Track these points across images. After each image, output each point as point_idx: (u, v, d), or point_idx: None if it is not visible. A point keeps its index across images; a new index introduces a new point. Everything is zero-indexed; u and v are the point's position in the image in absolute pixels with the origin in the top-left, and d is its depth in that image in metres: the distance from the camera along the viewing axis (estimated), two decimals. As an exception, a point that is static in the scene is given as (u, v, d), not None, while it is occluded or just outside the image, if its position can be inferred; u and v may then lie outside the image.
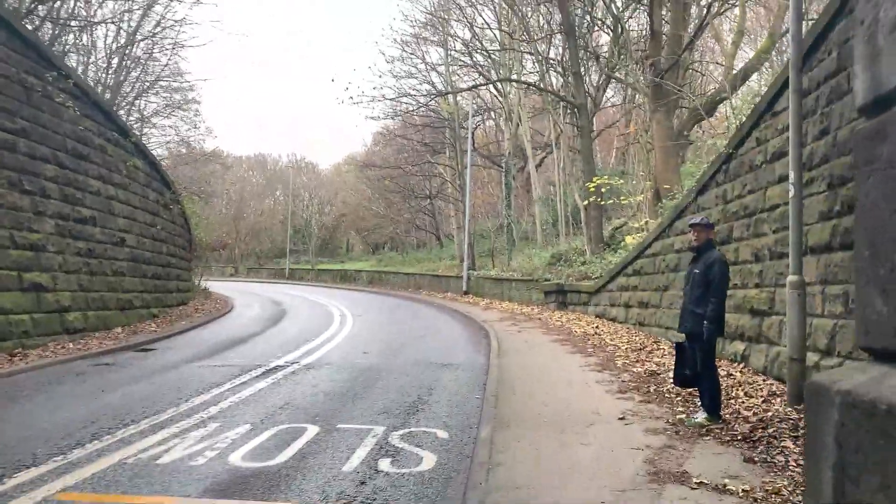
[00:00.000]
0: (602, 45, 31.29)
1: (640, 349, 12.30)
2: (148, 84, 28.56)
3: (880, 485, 1.80)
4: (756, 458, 5.62)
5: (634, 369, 10.31)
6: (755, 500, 4.69)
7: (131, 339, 14.56)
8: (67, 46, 24.26)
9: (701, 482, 5.05)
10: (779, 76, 9.75)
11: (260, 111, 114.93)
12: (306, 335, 16.10)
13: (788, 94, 8.87)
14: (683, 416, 7.16)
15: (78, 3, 23.14)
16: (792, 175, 7.64)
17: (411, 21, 38.57)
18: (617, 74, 28.05)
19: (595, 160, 29.13)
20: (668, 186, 18.05)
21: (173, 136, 32.86)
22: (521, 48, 32.47)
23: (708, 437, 6.37)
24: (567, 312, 20.20)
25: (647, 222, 19.03)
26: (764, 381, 8.78)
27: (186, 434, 6.83)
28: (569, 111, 29.95)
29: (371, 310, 25.00)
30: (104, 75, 26.21)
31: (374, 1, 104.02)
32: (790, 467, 5.35)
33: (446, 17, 36.11)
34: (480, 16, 36.01)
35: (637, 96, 28.73)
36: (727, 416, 7.04)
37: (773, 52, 24.24)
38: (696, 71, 28.15)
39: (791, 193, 7.65)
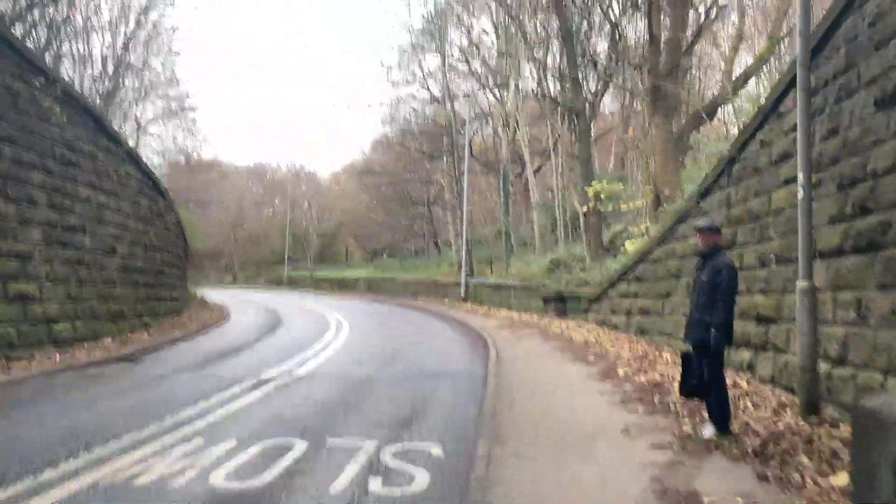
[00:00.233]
0: (599, 53, 31.11)
1: (643, 357, 11.97)
2: (143, 92, 28.32)
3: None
4: (770, 476, 5.29)
5: (637, 379, 9.97)
6: (772, 522, 4.37)
7: (121, 350, 14.21)
8: (63, 53, 24.05)
9: (712, 502, 4.72)
10: (783, 76, 9.46)
11: (257, 114, 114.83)
12: (301, 344, 15.76)
13: (794, 94, 8.59)
14: (690, 429, 6.83)
15: (73, 10, 22.95)
16: (800, 176, 7.33)
17: (408, 28, 38.25)
18: (615, 80, 27.87)
19: (594, 166, 28.87)
20: (668, 191, 17.76)
21: (170, 144, 32.60)
22: (519, 54, 32.23)
23: (718, 453, 6.03)
24: (567, 320, 19.87)
25: (647, 228, 18.73)
26: (772, 390, 8.46)
27: (168, 451, 6.49)
28: (567, 117, 29.70)
29: (368, 318, 24.68)
30: (98, 83, 25.96)
31: (371, 3, 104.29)
32: (807, 485, 5.01)
33: (443, 25, 35.96)
34: (478, 22, 35.75)
35: (635, 102, 28.52)
36: (736, 429, 6.70)
37: (772, 58, 24.04)
38: (695, 76, 27.94)
39: (800, 195, 7.34)
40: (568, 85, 26.85)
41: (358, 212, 62.35)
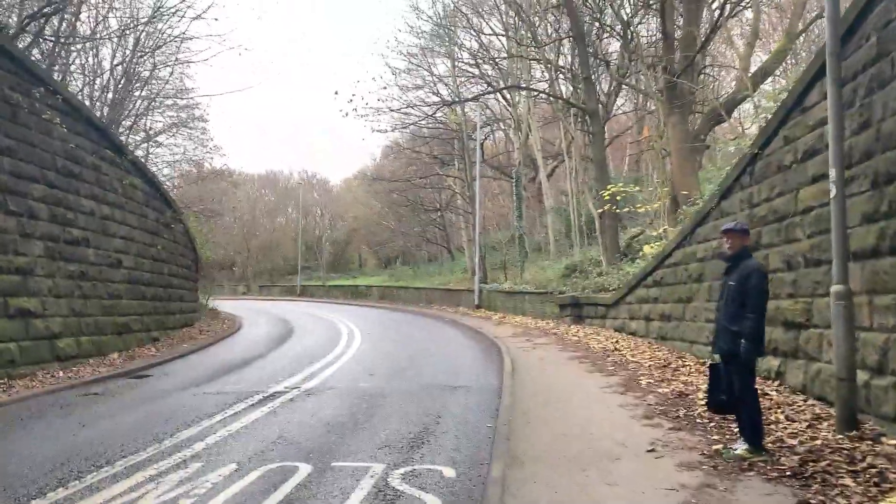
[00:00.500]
0: (612, 53, 30.60)
1: (665, 366, 11.48)
2: (151, 102, 28.09)
3: None
4: (812, 501, 4.82)
5: (660, 390, 9.49)
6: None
7: (127, 366, 13.91)
8: (73, 66, 23.91)
9: (751, 534, 4.27)
10: (808, 68, 8.95)
11: (261, 118, 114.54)
12: (311, 356, 15.39)
13: (820, 86, 8.13)
14: (720, 446, 6.35)
15: (79, 21, 22.77)
16: (833, 173, 6.84)
17: (417, 32, 37.80)
18: (628, 81, 27.34)
19: (608, 168, 28.35)
20: (686, 192, 17.23)
21: (181, 154, 32.33)
22: (530, 56, 31.78)
23: (751, 473, 5.57)
24: (584, 326, 19.36)
25: (665, 230, 18.19)
26: (805, 401, 7.96)
27: (164, 477, 6.11)
28: (580, 119, 29.20)
29: (380, 327, 24.29)
30: (106, 94, 25.77)
31: (374, 7, 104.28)
32: (856, 513, 4.55)
33: (452, 27, 35.58)
34: (488, 24, 35.24)
35: (649, 103, 27.97)
36: (770, 445, 6.23)
37: (789, 56, 23.48)
38: (710, 75, 27.36)
39: (832, 193, 6.85)
40: (580, 86, 26.35)
41: (370, 218, 61.98)
